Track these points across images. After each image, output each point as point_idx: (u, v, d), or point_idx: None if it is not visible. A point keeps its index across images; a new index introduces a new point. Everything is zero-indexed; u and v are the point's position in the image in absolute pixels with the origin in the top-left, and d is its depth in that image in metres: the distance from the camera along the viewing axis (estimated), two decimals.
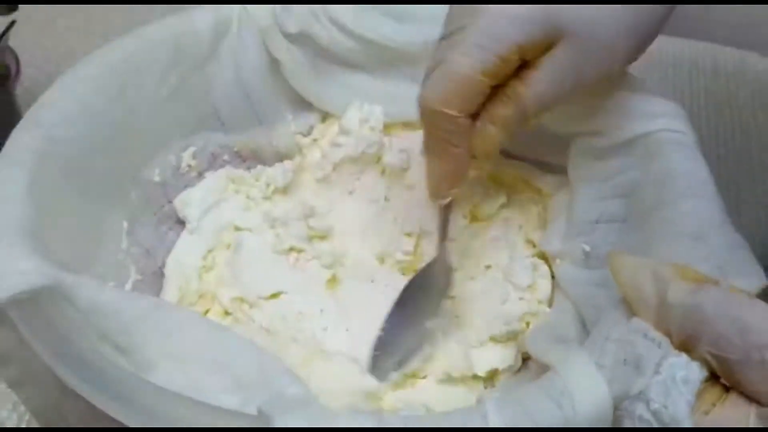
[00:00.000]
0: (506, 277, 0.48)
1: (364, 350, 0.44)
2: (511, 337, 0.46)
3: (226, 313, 0.47)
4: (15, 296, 0.32)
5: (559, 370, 0.31)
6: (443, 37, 0.41)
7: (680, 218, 0.39)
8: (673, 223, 0.39)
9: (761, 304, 0.30)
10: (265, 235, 0.51)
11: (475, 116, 0.41)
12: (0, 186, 0.38)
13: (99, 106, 0.45)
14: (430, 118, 0.41)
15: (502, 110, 0.40)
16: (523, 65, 0.40)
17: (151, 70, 0.48)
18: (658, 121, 0.43)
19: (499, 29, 0.38)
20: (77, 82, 0.45)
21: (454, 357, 0.44)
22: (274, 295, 0.48)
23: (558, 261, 0.48)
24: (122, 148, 0.47)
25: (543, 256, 0.50)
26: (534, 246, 0.51)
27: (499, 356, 0.45)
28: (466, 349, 0.45)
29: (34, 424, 0.49)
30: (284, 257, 0.51)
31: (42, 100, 0.43)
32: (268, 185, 0.54)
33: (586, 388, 0.30)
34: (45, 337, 0.32)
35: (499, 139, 0.41)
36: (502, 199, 0.53)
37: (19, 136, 0.41)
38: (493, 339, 0.46)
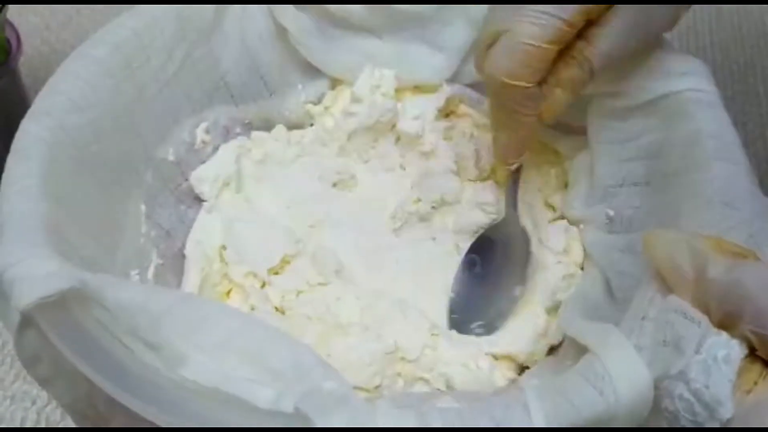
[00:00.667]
0: (542, 242, 0.47)
1: (376, 316, 0.44)
2: (557, 306, 0.46)
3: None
4: (40, 300, 0.31)
5: (598, 353, 0.30)
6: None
7: (709, 182, 0.38)
8: (702, 187, 0.38)
9: None
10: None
11: (541, 82, 0.41)
12: (16, 182, 0.37)
13: (107, 88, 0.44)
14: (498, 91, 0.41)
15: (569, 73, 0.40)
16: (586, 25, 0.39)
17: (157, 47, 0.47)
18: (683, 80, 0.42)
19: None
20: (83, 64, 0.43)
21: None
22: (285, 262, 0.48)
23: (581, 226, 0.47)
24: (134, 129, 0.46)
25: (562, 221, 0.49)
26: (554, 209, 0.50)
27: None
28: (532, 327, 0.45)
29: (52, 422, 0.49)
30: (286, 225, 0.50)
31: (49, 86, 0.42)
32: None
33: (626, 372, 0.29)
34: (72, 340, 0.32)
35: (566, 101, 0.41)
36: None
37: (29, 127, 0.39)
38: (548, 310, 0.45)
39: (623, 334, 0.31)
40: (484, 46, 0.41)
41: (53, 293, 0.31)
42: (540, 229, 0.48)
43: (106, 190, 0.43)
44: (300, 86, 0.54)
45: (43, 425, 0.50)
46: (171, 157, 0.49)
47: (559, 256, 0.47)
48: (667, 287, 0.32)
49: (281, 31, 0.52)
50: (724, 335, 0.30)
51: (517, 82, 0.39)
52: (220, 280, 0.47)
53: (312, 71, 0.54)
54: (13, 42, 0.60)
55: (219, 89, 0.52)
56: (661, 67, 0.43)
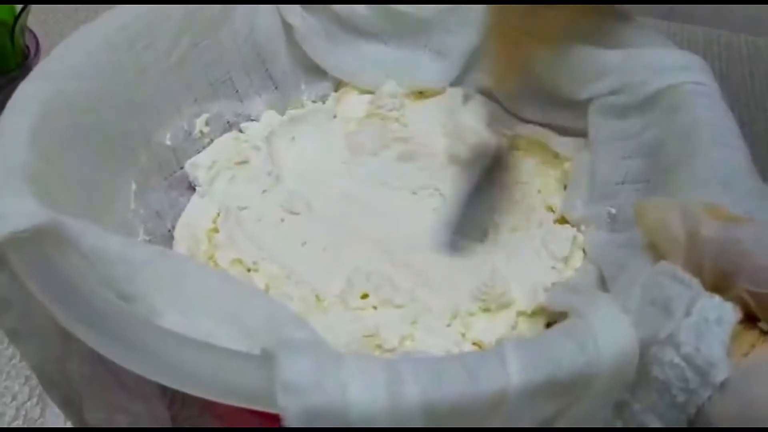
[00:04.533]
0: (544, 243, 0.46)
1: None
2: (538, 311, 0.44)
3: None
4: (15, 234, 0.30)
5: (582, 313, 0.29)
6: None
7: (707, 166, 0.37)
8: (700, 172, 0.37)
9: None
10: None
11: None
12: (5, 134, 0.36)
13: (109, 62, 0.44)
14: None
15: None
16: None
17: (163, 31, 0.47)
18: (681, 74, 0.42)
19: None
20: (88, 38, 0.44)
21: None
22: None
23: (582, 227, 0.46)
24: (133, 108, 0.46)
25: (563, 222, 0.48)
26: (553, 211, 0.49)
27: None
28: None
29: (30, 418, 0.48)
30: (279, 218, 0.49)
31: (51, 56, 0.42)
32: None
33: (610, 328, 0.28)
34: (44, 279, 0.31)
35: None
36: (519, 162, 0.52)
37: (26, 87, 0.39)
38: (520, 313, 0.44)
39: (609, 297, 0.30)
40: None
41: (29, 228, 0.30)
42: (545, 229, 0.47)
43: (99, 161, 0.42)
44: (303, 86, 0.55)
45: (20, 421, 0.49)
46: (168, 142, 0.49)
47: (556, 262, 0.46)
48: (659, 257, 0.31)
49: (288, 30, 0.53)
50: (717, 297, 0.28)
51: None
52: (205, 262, 0.46)
53: (316, 72, 0.55)
54: (32, 48, 0.61)
55: (224, 83, 0.52)
56: (660, 63, 0.43)
